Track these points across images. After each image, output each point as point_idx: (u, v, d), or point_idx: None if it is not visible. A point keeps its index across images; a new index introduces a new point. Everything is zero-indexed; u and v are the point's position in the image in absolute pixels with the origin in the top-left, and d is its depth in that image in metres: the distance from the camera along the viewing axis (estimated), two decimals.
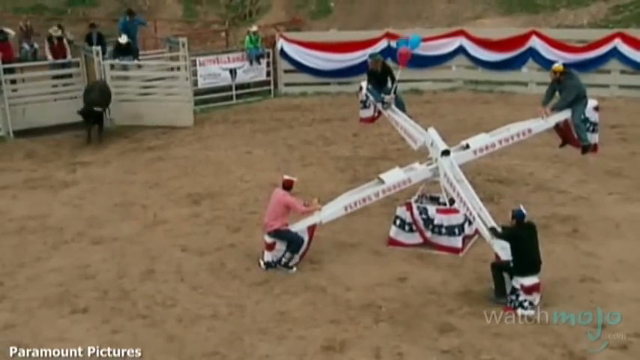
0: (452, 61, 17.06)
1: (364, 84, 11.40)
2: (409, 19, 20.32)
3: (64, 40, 15.59)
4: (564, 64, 10.01)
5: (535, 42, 16.33)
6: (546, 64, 16.28)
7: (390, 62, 12.41)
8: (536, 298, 8.00)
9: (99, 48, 15.05)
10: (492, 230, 8.33)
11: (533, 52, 16.37)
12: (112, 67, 15.15)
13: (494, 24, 19.51)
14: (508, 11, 20.49)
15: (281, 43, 17.31)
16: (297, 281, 8.86)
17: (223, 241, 10.03)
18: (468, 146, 9.78)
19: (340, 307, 8.25)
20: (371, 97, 11.27)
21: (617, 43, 15.81)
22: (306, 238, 9.18)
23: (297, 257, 9.13)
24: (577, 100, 9.67)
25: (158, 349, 7.63)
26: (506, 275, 8.16)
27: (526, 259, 7.98)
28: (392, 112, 11.11)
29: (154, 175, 12.68)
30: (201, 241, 10.04)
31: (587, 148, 9.92)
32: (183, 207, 11.24)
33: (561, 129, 10.02)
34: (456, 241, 9.41)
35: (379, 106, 11.14)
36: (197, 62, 16.57)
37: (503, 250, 8.20)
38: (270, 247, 9.12)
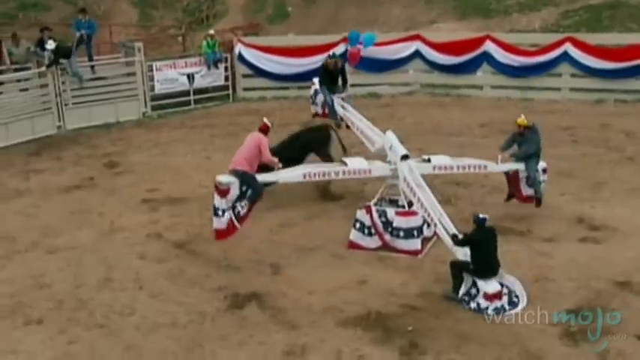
0: (409, 65, 17.21)
1: (317, 80, 11.60)
2: (366, 24, 20.45)
3: None
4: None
5: (489, 46, 16.59)
6: (500, 67, 16.71)
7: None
8: (497, 304, 8.11)
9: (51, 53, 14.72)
10: (454, 238, 8.48)
11: (487, 56, 16.63)
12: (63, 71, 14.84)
13: (450, 28, 19.81)
14: (462, 16, 20.82)
15: (239, 47, 17.25)
16: (258, 286, 8.83)
17: (182, 247, 9.93)
18: (429, 160, 10.05)
19: (301, 312, 8.25)
20: (319, 97, 11.55)
21: (568, 47, 16.18)
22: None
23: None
24: (533, 156, 10.10)
25: (115, 358, 7.50)
26: (465, 276, 8.32)
27: (484, 261, 8.16)
28: (348, 113, 11.29)
29: (110, 182, 12.46)
30: (159, 248, 9.92)
31: (540, 201, 10.24)
32: (141, 214, 11.08)
33: (509, 178, 10.35)
34: (415, 244, 9.51)
35: (337, 121, 11.59)
36: (154, 67, 16.37)
37: (465, 256, 8.35)
38: (224, 192, 8.87)
